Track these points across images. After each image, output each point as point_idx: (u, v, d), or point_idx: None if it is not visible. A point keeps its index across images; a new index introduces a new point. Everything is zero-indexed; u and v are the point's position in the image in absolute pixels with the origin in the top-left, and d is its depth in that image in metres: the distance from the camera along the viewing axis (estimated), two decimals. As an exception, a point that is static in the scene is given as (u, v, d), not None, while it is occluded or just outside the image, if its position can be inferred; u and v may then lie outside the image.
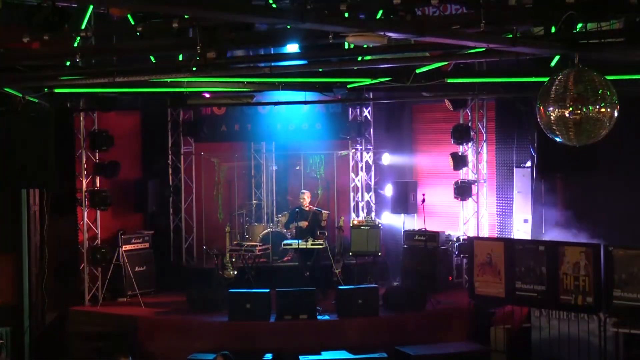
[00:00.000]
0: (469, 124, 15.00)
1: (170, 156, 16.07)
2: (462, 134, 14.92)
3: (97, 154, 14.35)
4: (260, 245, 14.80)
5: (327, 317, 12.76)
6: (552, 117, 7.01)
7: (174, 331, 12.82)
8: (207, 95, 13.17)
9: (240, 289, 13.26)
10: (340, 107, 16.19)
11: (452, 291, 14.21)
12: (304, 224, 14.27)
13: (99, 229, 14.42)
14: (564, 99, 6.92)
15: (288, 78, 11.26)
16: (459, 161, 14.90)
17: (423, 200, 14.47)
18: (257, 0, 8.44)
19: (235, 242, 15.02)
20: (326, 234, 14.37)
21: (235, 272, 14.34)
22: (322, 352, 12.02)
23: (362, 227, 15.00)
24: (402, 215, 15.45)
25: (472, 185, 14.96)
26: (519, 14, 7.41)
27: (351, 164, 16.51)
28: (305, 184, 16.03)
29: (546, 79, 7.26)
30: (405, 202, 15.46)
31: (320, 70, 10.36)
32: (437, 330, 12.85)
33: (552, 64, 9.68)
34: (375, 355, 11.93)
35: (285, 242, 14.52)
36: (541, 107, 7.08)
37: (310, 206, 14.50)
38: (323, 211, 14.77)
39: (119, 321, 13.28)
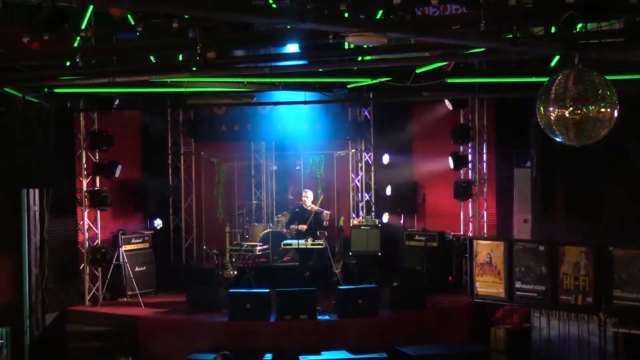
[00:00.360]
0: (469, 124, 15.00)
1: (170, 156, 16.07)
2: (462, 134, 14.93)
3: (97, 154, 14.35)
4: (260, 245, 14.79)
5: (327, 317, 12.75)
6: (552, 117, 7.01)
7: (174, 331, 12.81)
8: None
9: (240, 289, 13.25)
10: (340, 107, 16.18)
11: (452, 291, 14.20)
12: (302, 227, 14.22)
13: (99, 229, 14.41)
14: (564, 99, 6.92)
15: (288, 78, 11.26)
16: (459, 161, 14.90)
17: (423, 200, 14.46)
18: (257, 0, 8.45)
19: (235, 242, 15.01)
20: (326, 234, 14.35)
21: (235, 272, 14.35)
22: (322, 352, 12.01)
23: (362, 227, 15.00)
24: (402, 215, 15.45)
25: (472, 185, 14.97)
26: (519, 14, 7.41)
27: (351, 164, 16.51)
28: (305, 184, 16.03)
29: (546, 79, 7.26)
30: (405, 202, 15.46)
31: (320, 70, 10.36)
32: (437, 330, 12.85)
33: (552, 64, 9.68)
34: (375, 355, 11.93)
35: (285, 242, 14.51)
36: (541, 107, 7.08)
37: (312, 206, 14.47)
38: (324, 211, 14.74)
39: (119, 321, 13.27)
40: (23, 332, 13.14)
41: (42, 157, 13.26)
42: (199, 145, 16.30)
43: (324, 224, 14.46)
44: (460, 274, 14.77)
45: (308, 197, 14.52)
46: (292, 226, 14.57)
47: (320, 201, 14.88)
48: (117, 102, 13.76)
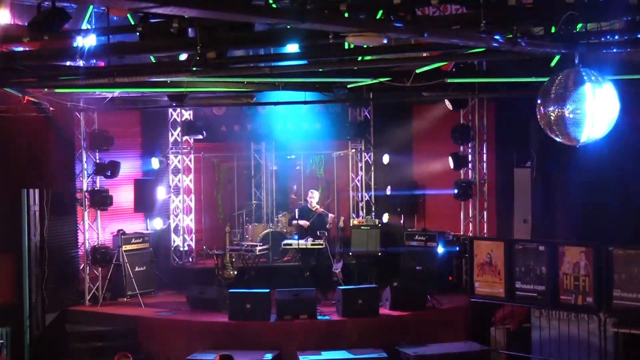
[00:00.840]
0: (469, 124, 15.00)
1: (170, 156, 16.07)
2: (462, 134, 14.94)
3: (97, 154, 14.35)
4: (260, 245, 14.79)
5: (327, 317, 12.76)
6: (552, 117, 7.00)
7: (174, 331, 12.82)
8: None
9: (240, 289, 13.25)
10: (340, 107, 16.19)
11: (452, 291, 14.20)
12: (305, 223, 14.21)
13: (99, 229, 14.42)
14: (564, 99, 6.92)
15: (288, 78, 11.24)
16: (459, 161, 14.91)
17: (423, 199, 14.45)
18: (257, 0, 8.43)
19: (235, 242, 15.02)
20: (326, 234, 14.35)
21: (235, 272, 14.34)
22: (322, 352, 12.02)
23: (362, 227, 15.00)
24: (402, 215, 15.44)
25: (472, 185, 14.97)
26: (519, 14, 7.40)
27: (351, 164, 16.51)
28: (306, 184, 16.03)
29: (546, 79, 7.25)
30: (403, 201, 15.45)
31: (320, 70, 10.34)
32: (437, 330, 12.85)
33: (552, 64, 9.67)
34: (375, 355, 11.94)
35: (285, 242, 14.51)
36: (541, 107, 7.08)
37: (317, 207, 14.41)
38: (330, 214, 14.70)
39: (119, 321, 13.29)
40: (23, 332, 13.15)
41: (42, 157, 13.29)
42: (199, 145, 16.30)
43: (327, 226, 14.44)
44: (460, 274, 14.78)
45: (314, 197, 14.44)
46: (294, 222, 14.51)
47: (327, 204, 14.80)
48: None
